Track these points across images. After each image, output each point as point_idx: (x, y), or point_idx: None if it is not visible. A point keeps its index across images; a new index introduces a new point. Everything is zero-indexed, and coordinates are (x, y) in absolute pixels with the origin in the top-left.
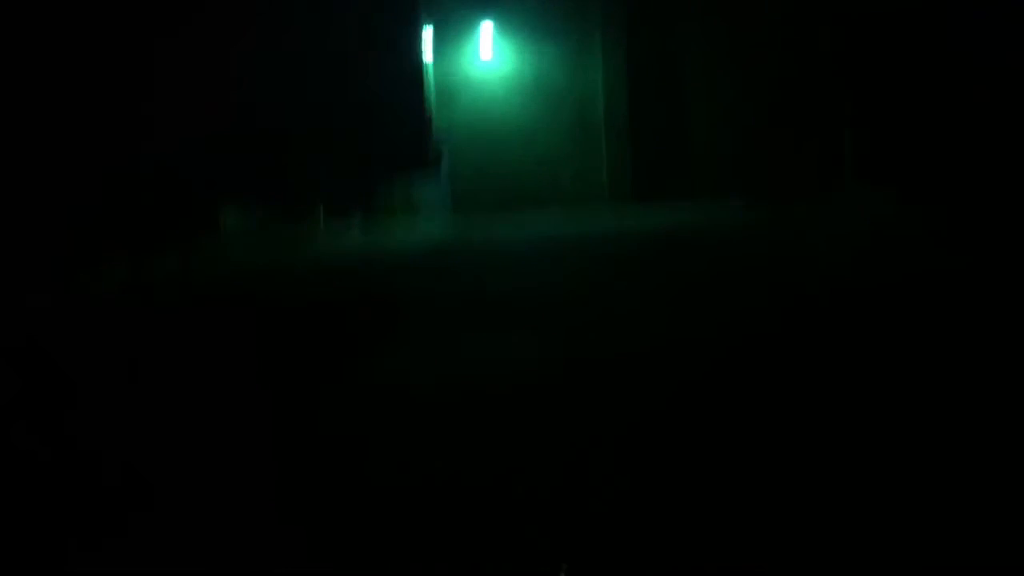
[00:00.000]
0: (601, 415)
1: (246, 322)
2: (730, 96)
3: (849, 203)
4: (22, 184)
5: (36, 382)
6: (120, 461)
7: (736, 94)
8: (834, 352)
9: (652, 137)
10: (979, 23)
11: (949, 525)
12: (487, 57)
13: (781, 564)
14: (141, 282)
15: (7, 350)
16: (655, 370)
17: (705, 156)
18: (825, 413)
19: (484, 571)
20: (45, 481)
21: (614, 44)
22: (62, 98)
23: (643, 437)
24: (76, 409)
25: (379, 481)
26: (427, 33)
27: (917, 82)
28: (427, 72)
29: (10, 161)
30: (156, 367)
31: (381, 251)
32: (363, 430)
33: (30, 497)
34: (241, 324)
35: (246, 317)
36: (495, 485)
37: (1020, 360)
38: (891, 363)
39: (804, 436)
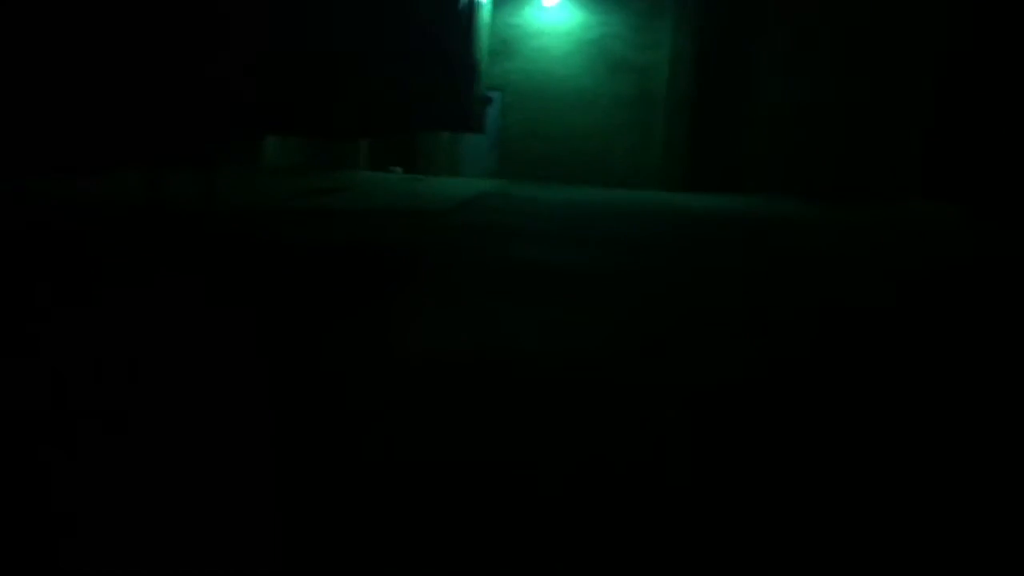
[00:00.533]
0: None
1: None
2: (800, 92)
3: (910, 213)
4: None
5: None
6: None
7: (807, 92)
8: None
9: (712, 122)
10: None
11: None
12: (554, 8)
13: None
14: (152, 198)
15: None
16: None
17: (767, 151)
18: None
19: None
20: None
21: (685, 18)
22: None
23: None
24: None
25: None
26: None
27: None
28: (481, 15)
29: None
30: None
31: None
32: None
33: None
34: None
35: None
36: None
37: None
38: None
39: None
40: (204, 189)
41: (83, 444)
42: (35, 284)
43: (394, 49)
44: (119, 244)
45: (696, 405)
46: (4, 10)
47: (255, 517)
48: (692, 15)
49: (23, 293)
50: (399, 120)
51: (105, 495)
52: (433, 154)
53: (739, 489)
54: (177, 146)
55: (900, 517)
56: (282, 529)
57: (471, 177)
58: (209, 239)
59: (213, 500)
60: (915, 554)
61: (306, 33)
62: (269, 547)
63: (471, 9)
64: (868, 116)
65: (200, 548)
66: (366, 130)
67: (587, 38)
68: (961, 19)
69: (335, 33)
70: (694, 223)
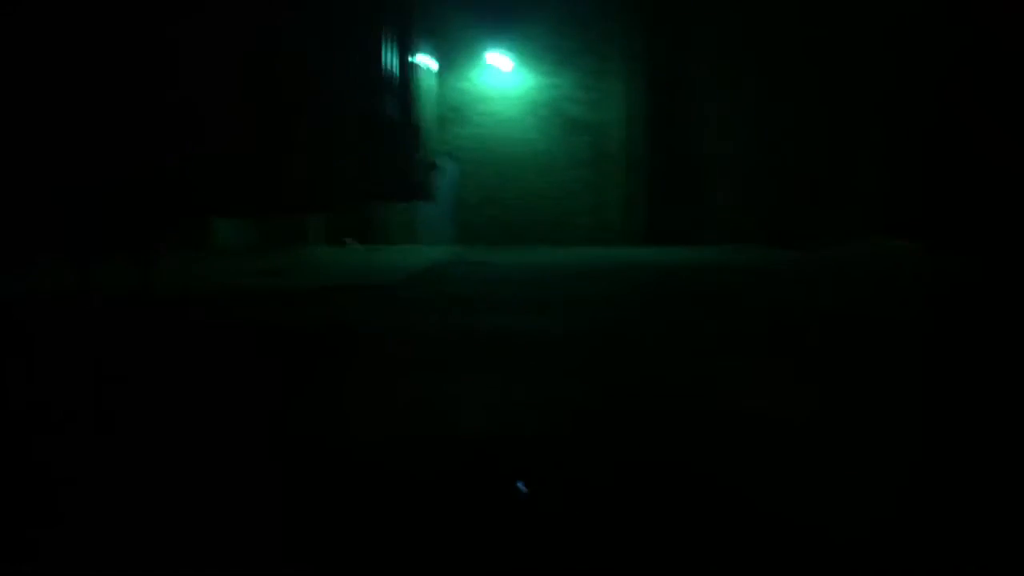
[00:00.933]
0: None
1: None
2: (755, 138)
3: (872, 252)
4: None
5: None
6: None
7: (762, 136)
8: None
9: (670, 174)
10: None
11: None
12: (504, 72)
13: None
14: (87, 287)
15: None
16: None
17: (727, 200)
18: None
19: None
20: None
21: (635, 72)
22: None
23: None
24: None
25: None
26: (428, 47)
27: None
28: (422, 81)
29: None
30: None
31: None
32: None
33: None
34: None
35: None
36: None
37: None
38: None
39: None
40: (142, 275)
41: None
42: None
43: (330, 122)
44: (45, 334)
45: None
46: None
47: None
48: (642, 69)
49: None
50: (341, 193)
51: None
52: (389, 224)
53: None
54: (108, 232)
55: None
56: None
57: (430, 245)
58: (146, 327)
59: None
60: None
61: (242, 110)
62: None
63: (408, 75)
64: (826, 159)
65: None
66: (307, 206)
67: (539, 100)
68: (911, 57)
69: (269, 111)
70: (659, 279)
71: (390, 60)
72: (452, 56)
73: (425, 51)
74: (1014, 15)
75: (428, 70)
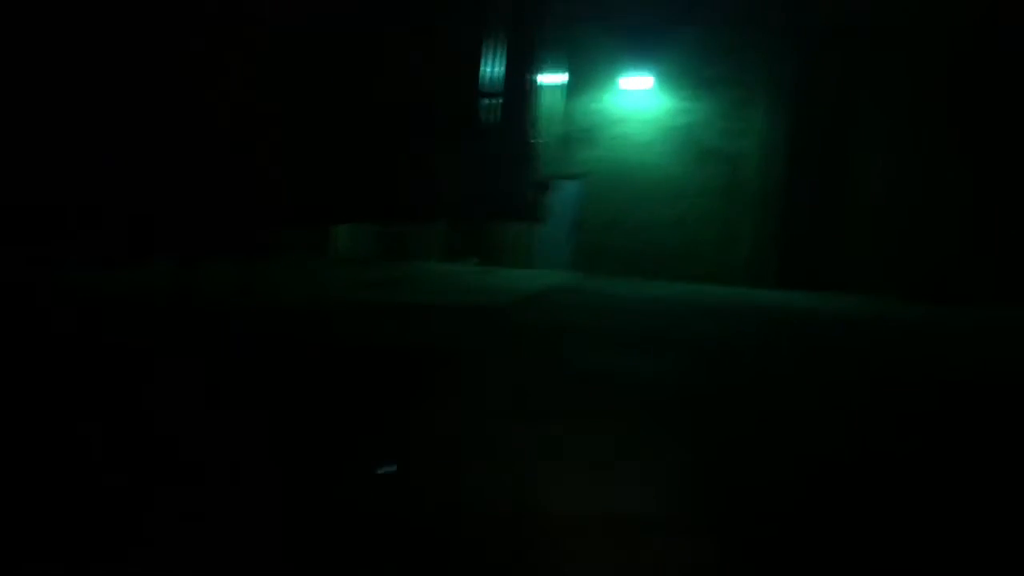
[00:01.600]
0: None
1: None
2: (903, 183)
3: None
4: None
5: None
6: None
7: (910, 182)
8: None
9: (806, 215)
10: None
11: None
12: (638, 95)
13: None
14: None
15: None
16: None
17: (863, 246)
18: None
19: None
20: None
21: (776, 107)
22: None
23: None
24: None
25: None
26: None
27: None
28: (535, 102)
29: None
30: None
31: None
32: None
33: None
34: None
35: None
36: None
37: None
38: None
39: None
40: (244, 281)
41: None
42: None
43: (433, 134)
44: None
45: None
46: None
47: None
48: (786, 101)
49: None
50: (447, 207)
51: None
52: (507, 245)
53: None
54: (214, 236)
55: None
56: None
57: (546, 269)
58: (229, 337)
59: None
60: None
61: (342, 119)
62: None
63: (528, 92)
64: (982, 209)
65: None
66: (412, 218)
67: (673, 125)
68: None
69: (372, 119)
70: (806, 331)
71: (510, 75)
72: (585, 76)
73: (553, 69)
74: None
75: (554, 88)
